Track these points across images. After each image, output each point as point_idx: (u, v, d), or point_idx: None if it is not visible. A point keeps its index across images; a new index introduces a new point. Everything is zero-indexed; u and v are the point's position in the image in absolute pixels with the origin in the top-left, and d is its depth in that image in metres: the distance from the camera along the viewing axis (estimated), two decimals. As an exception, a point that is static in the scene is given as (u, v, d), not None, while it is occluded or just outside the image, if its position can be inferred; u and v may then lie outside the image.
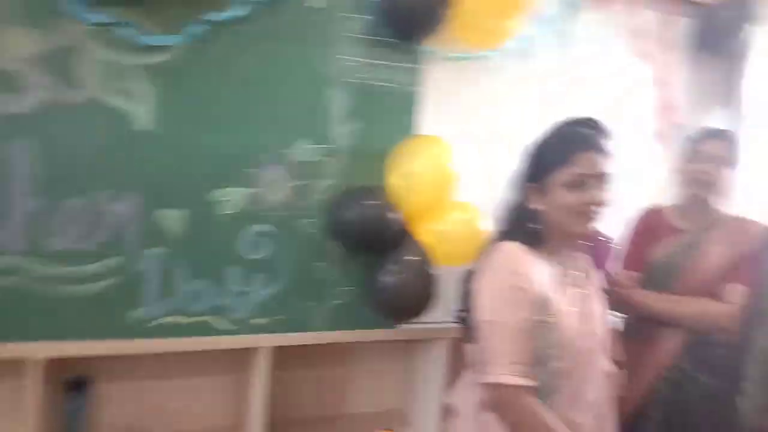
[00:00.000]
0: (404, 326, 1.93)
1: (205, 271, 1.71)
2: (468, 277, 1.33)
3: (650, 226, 1.88)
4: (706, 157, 1.76)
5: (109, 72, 1.55)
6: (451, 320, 1.53)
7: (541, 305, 1.18)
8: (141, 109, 1.59)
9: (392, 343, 2.11)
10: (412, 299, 1.81)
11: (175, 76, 1.62)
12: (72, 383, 1.70)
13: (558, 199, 1.21)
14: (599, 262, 1.62)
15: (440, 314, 1.85)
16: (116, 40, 1.54)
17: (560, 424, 1.15)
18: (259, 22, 1.69)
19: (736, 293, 1.71)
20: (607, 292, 1.43)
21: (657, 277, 1.81)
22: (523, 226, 1.28)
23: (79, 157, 1.55)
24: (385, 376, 2.19)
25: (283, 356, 1.86)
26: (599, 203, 1.19)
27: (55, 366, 1.58)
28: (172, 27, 1.59)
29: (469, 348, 1.33)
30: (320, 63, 1.79)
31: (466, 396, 1.35)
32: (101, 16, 1.51)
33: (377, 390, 2.18)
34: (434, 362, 2.04)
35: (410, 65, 1.90)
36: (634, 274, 1.83)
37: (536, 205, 1.25)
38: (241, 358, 1.85)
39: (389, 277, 1.77)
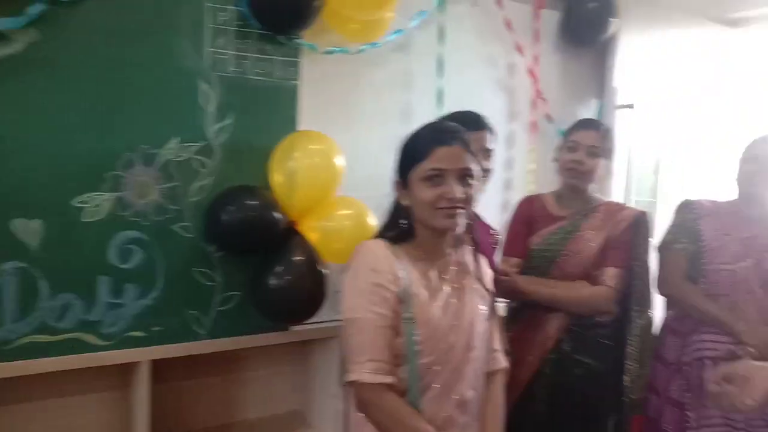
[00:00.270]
0: (296, 328, 1.89)
1: (70, 284, 1.58)
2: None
3: (529, 214, 1.93)
4: (580, 147, 1.83)
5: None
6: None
7: (405, 302, 1.17)
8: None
9: (286, 346, 2.05)
10: (302, 300, 1.76)
11: (22, 70, 1.47)
12: None
13: (418, 194, 1.19)
14: (484, 252, 1.64)
15: (332, 313, 1.81)
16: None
17: (421, 421, 1.15)
18: (122, 9, 1.57)
19: (611, 276, 1.79)
20: (494, 281, 1.45)
21: (537, 263, 1.86)
22: (396, 222, 1.27)
23: None
24: (281, 379, 2.14)
25: (169, 368, 1.76)
26: (458, 198, 1.17)
27: None
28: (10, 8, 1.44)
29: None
30: (189, 56, 1.69)
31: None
32: None
33: (274, 394, 2.13)
34: (330, 361, 2.00)
35: (287, 58, 1.84)
36: (515, 260, 1.87)
37: (404, 200, 1.24)
38: (122, 373, 1.74)
39: (276, 278, 1.71)
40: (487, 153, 1.71)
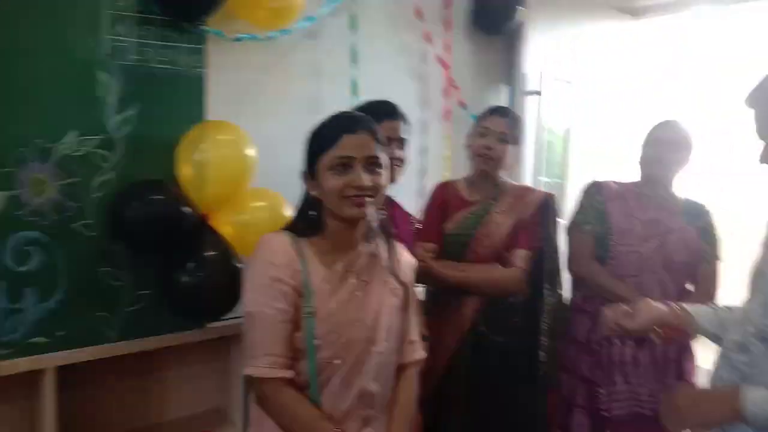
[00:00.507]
0: (212, 324, 1.84)
1: (-41, 290, 1.46)
2: None
3: (443, 200, 1.96)
4: (490, 133, 1.88)
5: None
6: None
7: (305, 296, 1.17)
8: None
9: (204, 343, 1.99)
10: (215, 296, 1.72)
11: None
12: None
13: (326, 183, 1.18)
14: (404, 241, 1.66)
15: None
16: None
17: (318, 415, 1.15)
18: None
19: (522, 257, 1.85)
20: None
21: (451, 248, 1.90)
22: (305, 213, 1.26)
23: None
24: (201, 378, 2.08)
25: (81, 374, 1.69)
26: (365, 186, 1.17)
27: None
28: None
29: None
30: (86, 44, 1.59)
31: None
32: None
33: (195, 393, 2.07)
34: (249, 356, 1.97)
35: (193, 46, 1.77)
36: (431, 246, 1.89)
37: (313, 191, 1.23)
38: (27, 383, 1.63)
39: (188, 275, 1.66)
40: (401, 142, 1.72)
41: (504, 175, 1.96)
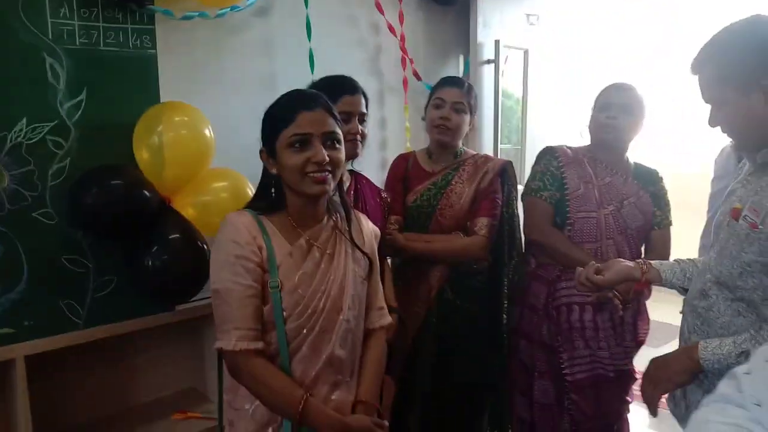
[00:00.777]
0: (181, 306, 1.85)
1: None
2: None
3: (404, 172, 1.99)
4: (445, 104, 1.90)
5: None
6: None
7: (269, 271, 1.19)
8: None
9: (175, 325, 2.00)
10: (183, 278, 1.72)
11: None
12: None
13: (285, 161, 1.20)
14: (373, 215, 1.68)
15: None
16: None
17: (288, 382, 1.19)
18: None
19: (483, 225, 1.89)
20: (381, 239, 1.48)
21: (415, 220, 1.94)
22: (266, 191, 1.28)
23: None
24: (174, 359, 2.09)
25: (51, 362, 1.69)
26: (325, 161, 1.19)
27: None
28: None
29: None
30: (28, 29, 1.55)
31: None
32: None
33: (169, 374, 2.08)
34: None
35: (141, 26, 1.74)
36: (395, 218, 1.92)
37: (272, 169, 1.25)
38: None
39: (153, 258, 1.66)
40: (362, 116, 1.73)
41: (463, 144, 1.99)
